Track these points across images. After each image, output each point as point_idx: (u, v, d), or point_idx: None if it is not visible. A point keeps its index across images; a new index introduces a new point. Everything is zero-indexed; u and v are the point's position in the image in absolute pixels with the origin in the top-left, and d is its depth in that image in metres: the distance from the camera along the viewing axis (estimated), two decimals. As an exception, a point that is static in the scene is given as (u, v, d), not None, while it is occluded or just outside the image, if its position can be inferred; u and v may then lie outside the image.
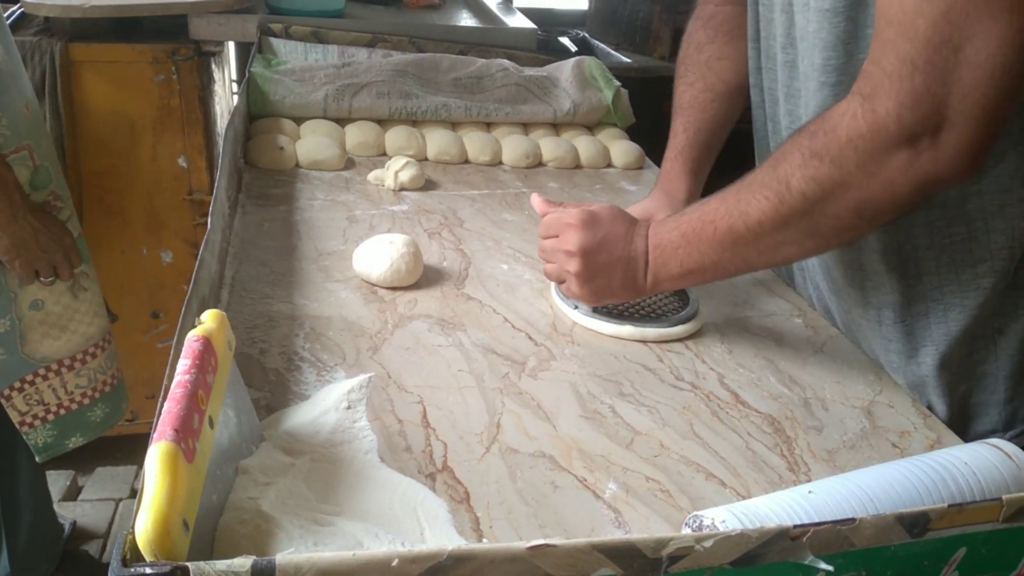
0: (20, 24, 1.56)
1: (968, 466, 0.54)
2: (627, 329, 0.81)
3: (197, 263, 0.68)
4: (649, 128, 1.59)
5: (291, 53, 1.48)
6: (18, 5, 1.55)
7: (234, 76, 2.13)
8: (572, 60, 1.49)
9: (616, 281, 0.77)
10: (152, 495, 0.40)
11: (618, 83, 1.45)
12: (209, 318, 0.54)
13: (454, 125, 1.37)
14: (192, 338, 0.51)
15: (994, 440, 0.56)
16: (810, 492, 0.52)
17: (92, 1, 1.47)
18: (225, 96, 2.04)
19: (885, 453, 0.66)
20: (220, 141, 1.78)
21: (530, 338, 0.79)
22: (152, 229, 1.66)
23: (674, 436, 0.65)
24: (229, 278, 0.85)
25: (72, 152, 1.54)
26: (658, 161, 1.34)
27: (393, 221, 1.05)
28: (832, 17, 0.69)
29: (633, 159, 1.35)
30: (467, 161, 1.30)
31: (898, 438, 0.69)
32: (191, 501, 0.43)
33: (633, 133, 1.48)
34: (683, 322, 0.82)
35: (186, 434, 0.45)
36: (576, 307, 0.84)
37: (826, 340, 0.85)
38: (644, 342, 0.80)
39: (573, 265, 0.77)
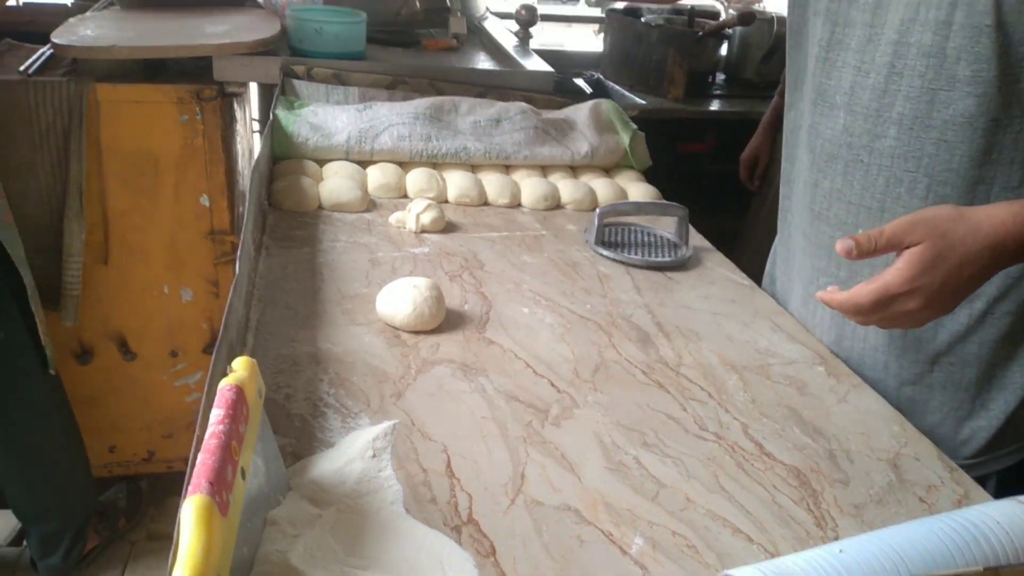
0: (49, 64, 1.60)
1: (1000, 525, 0.53)
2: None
3: (226, 308, 0.69)
4: (665, 169, 1.61)
5: (313, 95, 1.51)
6: (48, 46, 1.59)
7: (255, 115, 2.17)
8: (589, 103, 1.51)
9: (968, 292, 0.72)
10: (188, 550, 0.40)
11: (635, 126, 1.47)
12: (240, 366, 0.55)
13: (473, 167, 1.38)
14: (225, 387, 0.52)
15: (1025, 498, 0.56)
16: (840, 551, 0.51)
17: (119, 43, 1.50)
18: (246, 135, 2.07)
19: (913, 508, 0.65)
20: (241, 180, 1.80)
21: (552, 384, 0.80)
22: (173, 267, 1.67)
23: (700, 489, 0.65)
24: (255, 321, 0.85)
25: (97, 191, 1.57)
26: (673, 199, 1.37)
27: (415, 264, 1.06)
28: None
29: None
30: (486, 203, 1.31)
31: (925, 492, 0.68)
32: (225, 555, 0.43)
33: (649, 175, 1.49)
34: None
35: (220, 487, 0.45)
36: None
37: (849, 389, 0.85)
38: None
39: (924, 319, 0.73)
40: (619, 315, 0.97)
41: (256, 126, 2.22)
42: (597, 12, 3.08)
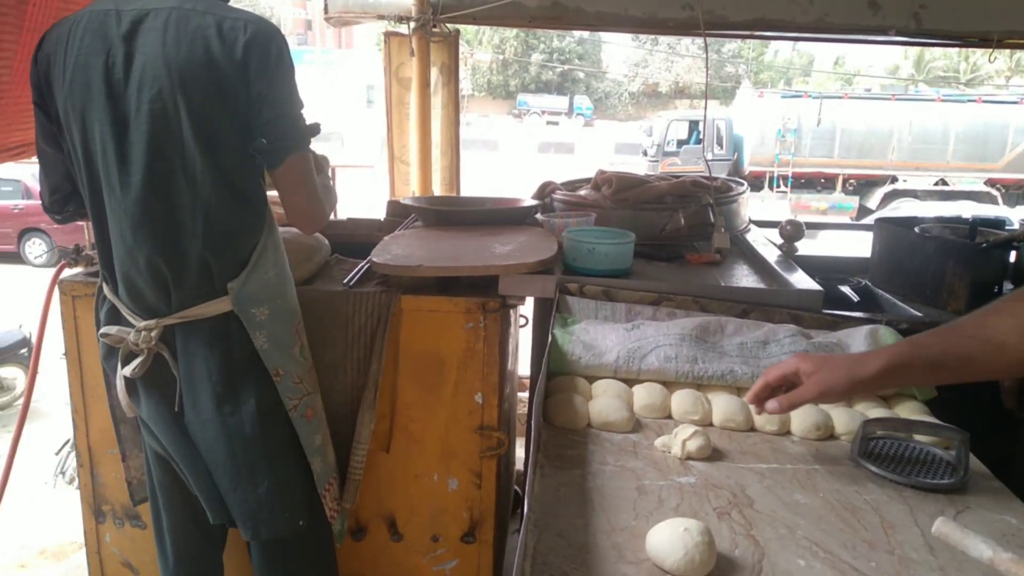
0: (366, 276, 1.88)
1: None
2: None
3: (520, 545, 0.73)
4: (946, 388, 1.47)
5: (584, 310, 1.63)
6: (366, 261, 1.88)
7: (521, 312, 2.35)
8: (865, 328, 1.46)
9: None
10: None
11: (917, 355, 1.39)
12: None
13: (739, 390, 1.38)
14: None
15: None
16: None
17: (424, 262, 1.75)
18: (515, 334, 2.24)
19: None
20: (511, 380, 1.94)
21: (838, 662, 0.74)
22: (444, 458, 1.81)
23: None
24: (531, 548, 0.90)
25: (390, 386, 1.77)
26: (960, 427, 1.25)
27: (681, 496, 1.06)
28: None
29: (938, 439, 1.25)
30: (753, 429, 1.29)
31: None
32: None
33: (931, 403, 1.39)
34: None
35: None
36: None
37: None
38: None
39: None
40: (910, 579, 0.89)
41: (523, 321, 2.41)
42: (850, 220, 3.02)
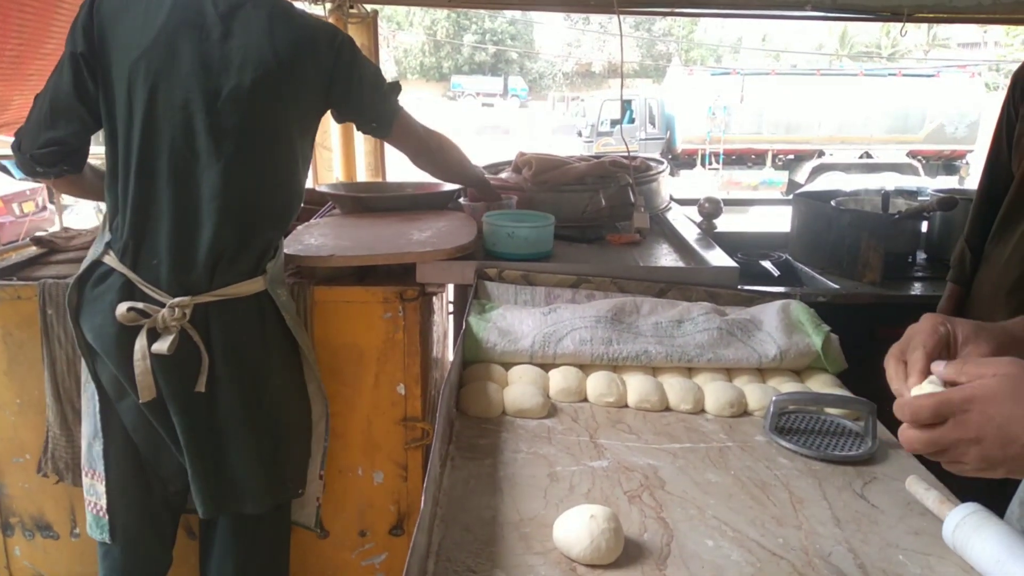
0: (280, 267, 1.82)
1: None
2: None
3: (411, 545, 0.71)
4: (860, 358, 1.50)
5: (503, 295, 1.60)
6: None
7: (450, 298, 2.32)
8: (777, 303, 1.47)
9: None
10: None
11: (827, 328, 1.41)
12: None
13: (654, 370, 1.38)
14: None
15: None
16: None
17: (337, 251, 1.70)
18: (441, 321, 2.21)
19: None
20: (435, 367, 1.91)
21: (739, 644, 0.74)
22: (367, 451, 1.78)
23: None
24: (436, 545, 0.87)
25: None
26: (872, 397, 1.25)
27: (593, 480, 1.05)
28: None
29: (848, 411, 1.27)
30: (668, 409, 1.29)
31: None
32: None
33: (843, 373, 1.41)
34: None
35: None
36: None
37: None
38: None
39: (970, 468, 0.70)
40: (815, 553, 0.90)
41: (450, 307, 2.37)
42: (780, 195, 3.08)
